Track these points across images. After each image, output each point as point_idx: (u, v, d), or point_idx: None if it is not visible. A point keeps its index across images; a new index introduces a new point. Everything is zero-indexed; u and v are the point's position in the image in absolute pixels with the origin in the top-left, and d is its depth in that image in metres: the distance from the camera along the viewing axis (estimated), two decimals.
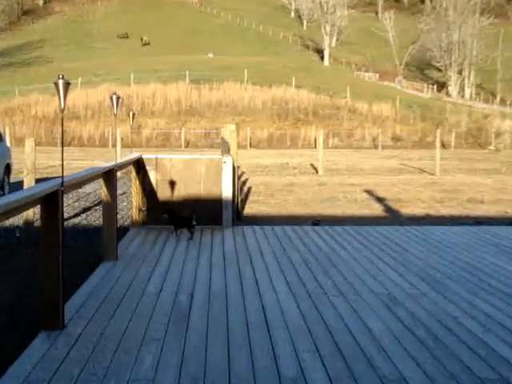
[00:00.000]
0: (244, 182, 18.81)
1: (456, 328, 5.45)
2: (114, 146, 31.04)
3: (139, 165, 11.07)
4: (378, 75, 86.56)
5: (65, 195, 5.63)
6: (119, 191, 10.35)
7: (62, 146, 5.77)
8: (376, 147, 52.14)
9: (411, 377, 4.41)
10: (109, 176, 8.04)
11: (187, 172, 11.19)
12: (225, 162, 11.12)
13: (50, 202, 5.17)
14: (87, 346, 4.90)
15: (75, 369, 4.42)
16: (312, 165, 28.67)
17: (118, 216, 9.30)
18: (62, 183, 5.28)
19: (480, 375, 4.46)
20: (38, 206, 5.38)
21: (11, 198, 4.74)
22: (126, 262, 8.04)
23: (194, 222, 9.60)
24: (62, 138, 6.27)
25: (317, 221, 12.44)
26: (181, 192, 11.14)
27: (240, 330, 5.32)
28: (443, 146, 41.94)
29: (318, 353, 4.79)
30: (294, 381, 4.31)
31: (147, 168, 11.16)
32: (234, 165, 11.38)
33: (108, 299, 6.28)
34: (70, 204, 13.35)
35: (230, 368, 4.50)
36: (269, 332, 5.27)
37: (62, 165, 5.45)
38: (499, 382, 4.38)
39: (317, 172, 24.87)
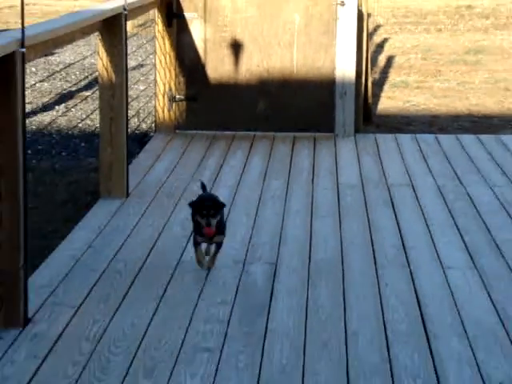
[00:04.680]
0: (380, 47, 16.32)
1: None
2: None
3: (171, 9, 9.50)
4: None
5: (27, 66, 5.15)
6: (132, 63, 9.16)
7: None
8: None
9: None
10: (112, 30, 6.95)
11: (266, 24, 9.52)
12: (342, 3, 9.33)
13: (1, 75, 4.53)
14: (70, 359, 4.31)
15: None
16: None
17: (131, 111, 8.34)
18: (23, 40, 4.58)
19: None
20: None
21: None
22: (143, 203, 7.05)
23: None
24: None
25: None
26: (254, 65, 9.52)
27: (376, 347, 4.55)
28: None
29: None
30: None
31: (187, 16, 9.53)
32: (361, 10, 9.66)
33: (109, 271, 5.54)
34: (36, 87, 11.36)
35: None
36: (431, 354, 4.46)
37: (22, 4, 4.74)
38: None
39: None
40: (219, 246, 4.99)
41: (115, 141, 7.14)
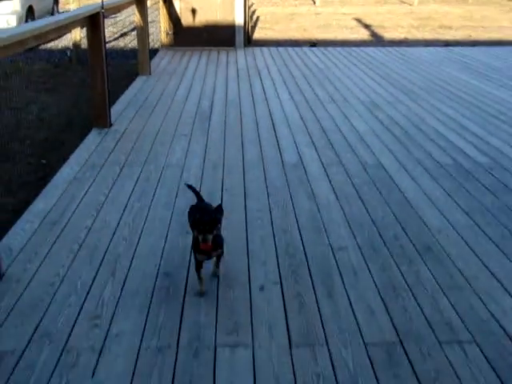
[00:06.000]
0: (253, 12, 14.05)
1: (424, 127, 4.28)
2: None
3: None
4: None
5: (106, 20, 4.36)
6: (149, 19, 7.38)
7: None
8: None
9: (386, 163, 3.55)
10: (141, 3, 6.05)
11: (206, 2, 8.20)
12: None
13: (94, 22, 4.08)
14: (130, 140, 3.98)
15: (122, 156, 3.64)
16: None
17: (149, 39, 6.74)
18: (103, 6, 4.14)
19: (439, 160, 3.58)
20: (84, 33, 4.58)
21: (61, 16, 3.82)
22: (157, 77, 6.22)
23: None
24: None
25: (314, 43, 9.21)
26: (201, 19, 8.27)
27: (251, 129, 4.27)
28: None
29: (313, 146, 3.87)
30: (295, 166, 3.48)
31: None
32: None
33: (144, 105, 4.97)
34: (109, 29, 9.33)
35: (244, 156, 3.64)
36: (274, 130, 4.23)
37: None
38: (453, 165, 3.49)
39: (314, 3, 17.02)
40: (219, 258, 2.27)
41: (144, 52, 6.25)
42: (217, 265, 2.23)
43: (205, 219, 2.04)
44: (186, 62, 7.13)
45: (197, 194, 2.36)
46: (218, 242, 2.10)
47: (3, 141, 4.07)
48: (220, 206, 2.11)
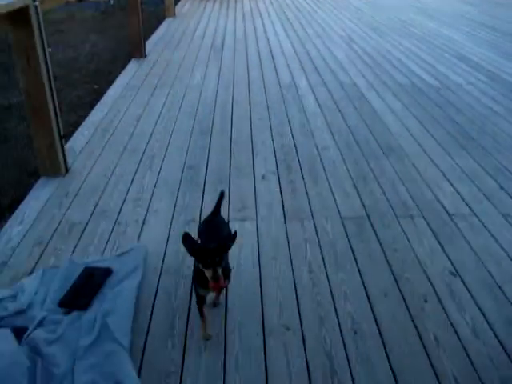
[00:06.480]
0: None
1: (388, 56, 3.84)
2: None
3: None
4: None
5: None
6: None
7: None
8: None
9: (359, 83, 3.20)
10: None
11: None
12: None
13: None
14: (160, 67, 3.51)
15: (154, 79, 3.24)
16: None
17: None
18: None
19: (400, 81, 3.19)
20: None
21: None
22: (180, 18, 5.34)
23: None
24: None
25: None
26: None
27: (255, 58, 3.77)
28: None
29: (303, 70, 3.45)
30: (288, 85, 3.13)
31: None
32: None
33: (171, 40, 4.35)
34: None
35: (249, 78, 3.25)
36: (273, 58, 3.76)
37: None
38: (410, 85, 3.13)
39: None
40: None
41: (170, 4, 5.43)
42: (218, 296, 1.23)
43: (212, 248, 1.02)
44: (202, 7, 6.30)
45: (217, 205, 1.35)
46: (227, 273, 1.11)
47: (66, 71, 3.84)
48: (233, 235, 1.08)
